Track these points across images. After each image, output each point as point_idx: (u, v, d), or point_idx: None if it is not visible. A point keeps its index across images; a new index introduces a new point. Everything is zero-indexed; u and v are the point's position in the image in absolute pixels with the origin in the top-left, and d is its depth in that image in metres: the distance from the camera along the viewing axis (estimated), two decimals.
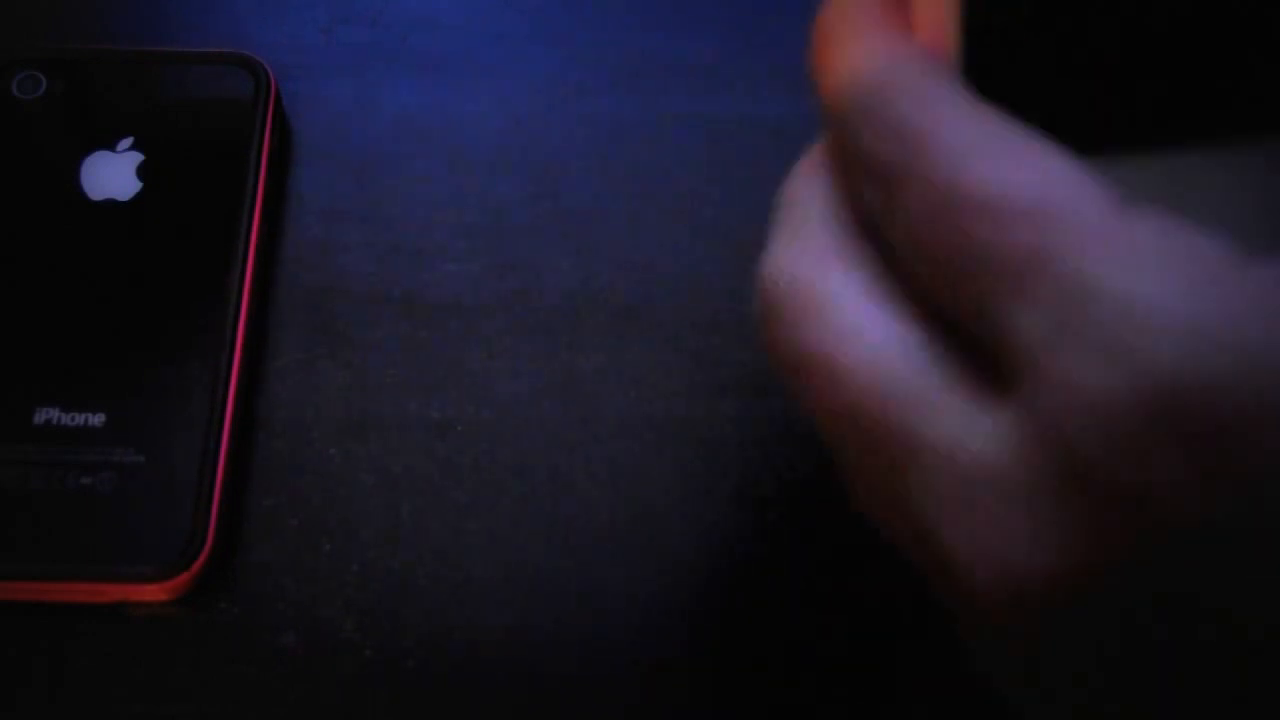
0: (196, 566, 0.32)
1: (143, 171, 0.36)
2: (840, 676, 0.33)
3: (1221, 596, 0.17)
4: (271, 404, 0.35)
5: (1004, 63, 0.21)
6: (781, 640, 0.33)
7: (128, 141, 0.37)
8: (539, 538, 0.34)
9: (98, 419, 0.33)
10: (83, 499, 0.33)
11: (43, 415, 0.33)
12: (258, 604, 0.33)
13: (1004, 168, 0.19)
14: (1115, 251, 0.18)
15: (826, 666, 0.33)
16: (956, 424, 0.19)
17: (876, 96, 0.21)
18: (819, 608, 0.33)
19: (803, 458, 0.35)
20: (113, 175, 0.36)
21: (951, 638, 0.21)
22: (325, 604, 0.33)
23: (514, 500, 0.34)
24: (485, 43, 0.39)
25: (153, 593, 0.32)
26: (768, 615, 0.33)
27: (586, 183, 0.38)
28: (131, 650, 0.32)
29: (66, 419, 0.33)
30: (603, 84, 0.40)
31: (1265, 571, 0.17)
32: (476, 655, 0.33)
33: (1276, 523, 0.17)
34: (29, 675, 0.32)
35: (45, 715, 0.32)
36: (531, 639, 0.33)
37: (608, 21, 0.41)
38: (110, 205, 0.36)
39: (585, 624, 0.33)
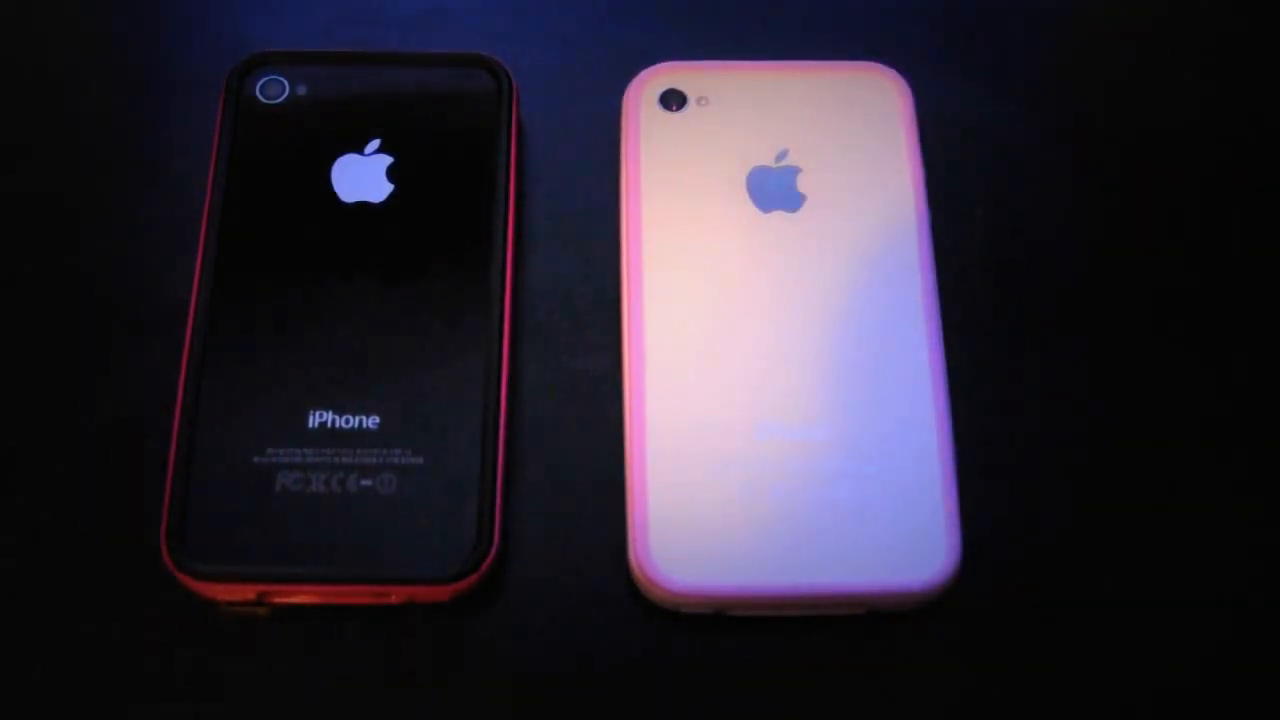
0: (485, 567, 0.32)
1: (393, 173, 0.37)
2: None
3: None
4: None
5: None
6: None
7: (375, 144, 0.37)
8: None
9: (372, 421, 0.34)
10: (365, 501, 0.33)
11: (317, 419, 0.34)
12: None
13: None
14: None
15: None
16: None
17: None
18: None
19: None
20: (364, 178, 0.36)
21: None
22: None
23: None
24: (485, 42, 0.39)
25: (439, 594, 0.32)
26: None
27: (587, 182, 0.38)
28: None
29: (341, 422, 0.34)
30: (604, 83, 0.39)
31: None
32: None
33: None
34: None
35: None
36: None
37: (608, 21, 0.41)
38: (364, 207, 0.36)
39: None
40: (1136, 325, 0.37)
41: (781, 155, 0.37)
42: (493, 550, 0.32)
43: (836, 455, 0.33)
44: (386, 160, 0.37)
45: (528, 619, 0.34)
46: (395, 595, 0.32)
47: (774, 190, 0.37)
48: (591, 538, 0.34)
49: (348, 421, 0.34)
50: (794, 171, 0.37)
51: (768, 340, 0.35)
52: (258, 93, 0.38)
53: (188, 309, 0.35)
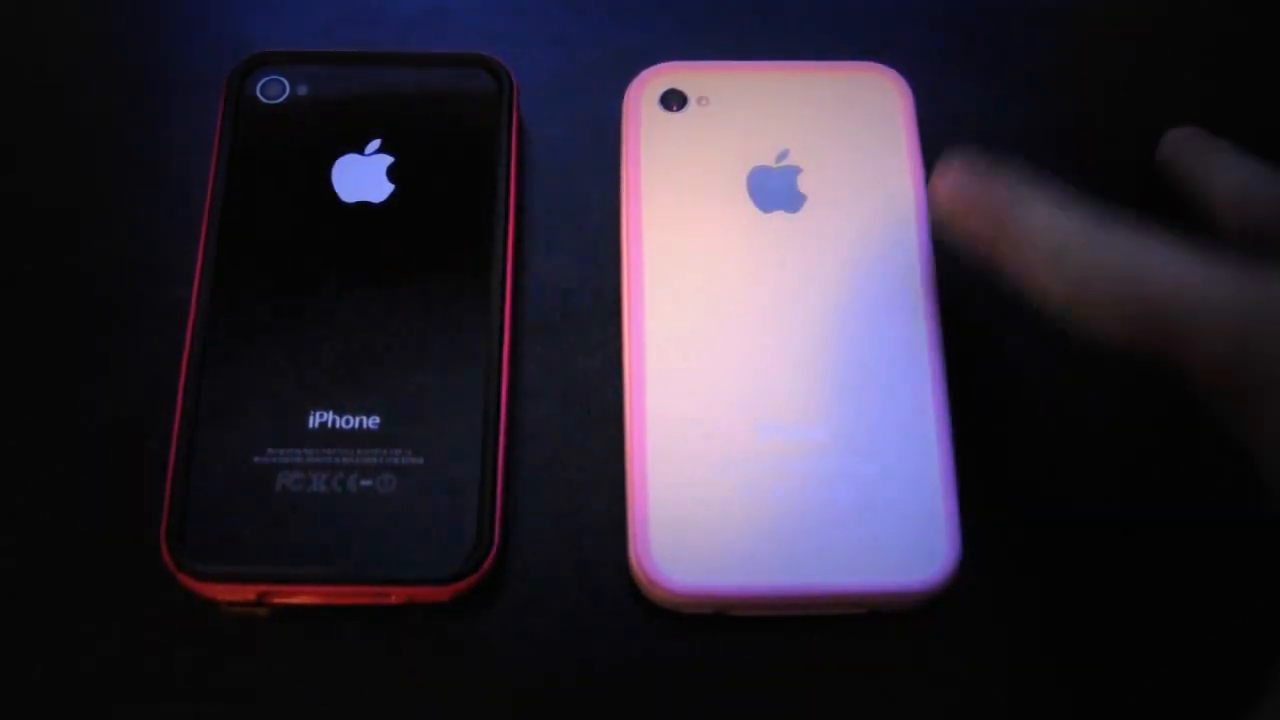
0: (485, 567, 0.32)
1: (393, 173, 0.37)
2: None
3: None
4: None
5: None
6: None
7: (375, 144, 0.37)
8: None
9: (372, 422, 0.34)
10: (365, 501, 0.33)
11: (317, 419, 0.34)
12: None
13: None
14: None
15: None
16: None
17: None
18: None
19: None
20: (364, 178, 0.36)
21: None
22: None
23: None
24: (485, 42, 0.39)
25: (439, 594, 0.32)
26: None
27: (587, 182, 0.38)
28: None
29: (341, 422, 0.34)
30: (604, 83, 0.39)
31: None
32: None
33: None
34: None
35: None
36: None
37: (608, 21, 0.41)
38: (365, 208, 0.36)
39: None
40: None
41: (782, 155, 0.37)
42: (493, 550, 0.32)
43: (836, 455, 0.33)
44: (387, 160, 0.37)
45: (528, 619, 0.34)
46: (395, 595, 0.32)
47: (774, 190, 0.37)
48: (591, 537, 0.34)
49: (348, 421, 0.34)
50: (794, 171, 0.37)
51: (768, 340, 0.35)
52: (258, 93, 0.38)
53: (188, 309, 0.35)
